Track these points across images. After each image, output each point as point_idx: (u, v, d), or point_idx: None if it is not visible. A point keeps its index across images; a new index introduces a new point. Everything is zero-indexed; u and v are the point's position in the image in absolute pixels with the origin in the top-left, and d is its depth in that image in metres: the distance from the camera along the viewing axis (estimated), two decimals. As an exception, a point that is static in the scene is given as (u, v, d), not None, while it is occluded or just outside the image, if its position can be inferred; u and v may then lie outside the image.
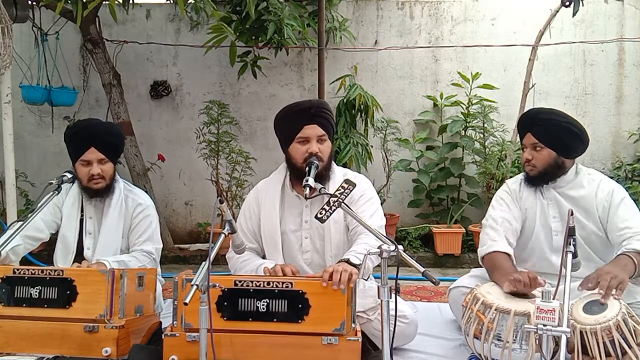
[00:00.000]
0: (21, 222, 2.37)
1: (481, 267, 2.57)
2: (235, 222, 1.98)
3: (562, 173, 2.50)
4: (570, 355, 1.99)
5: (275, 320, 1.99)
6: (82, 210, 2.71)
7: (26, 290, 2.16)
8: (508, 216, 2.54)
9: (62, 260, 2.65)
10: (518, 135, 2.70)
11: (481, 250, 2.52)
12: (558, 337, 1.78)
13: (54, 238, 2.73)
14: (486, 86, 4.82)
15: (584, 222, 2.44)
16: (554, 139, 2.45)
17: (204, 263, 1.70)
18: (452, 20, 5.10)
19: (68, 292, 2.13)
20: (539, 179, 2.53)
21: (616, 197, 2.44)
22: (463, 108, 4.88)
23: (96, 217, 2.70)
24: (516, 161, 4.63)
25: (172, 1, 4.78)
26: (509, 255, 2.43)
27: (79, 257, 2.63)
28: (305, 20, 4.75)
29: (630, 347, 1.91)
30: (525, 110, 4.62)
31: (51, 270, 2.17)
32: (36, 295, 2.14)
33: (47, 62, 4.82)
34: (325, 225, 2.31)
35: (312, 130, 2.36)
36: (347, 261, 2.13)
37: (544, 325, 1.76)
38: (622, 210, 2.41)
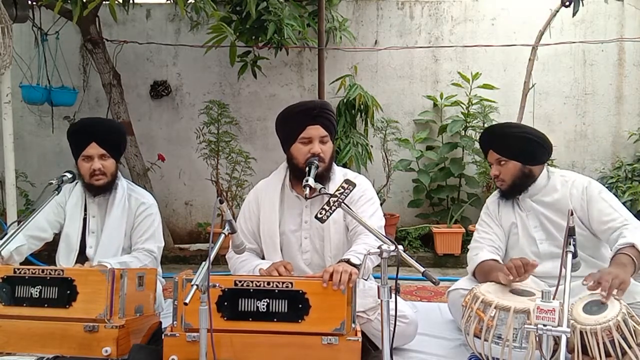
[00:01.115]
0: (21, 223, 2.37)
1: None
2: (235, 222, 1.98)
3: (532, 181, 2.52)
4: (570, 355, 1.99)
5: (275, 320, 1.99)
6: (85, 210, 2.72)
7: (26, 290, 2.15)
8: (492, 236, 2.60)
9: (65, 259, 2.65)
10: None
11: (470, 268, 2.58)
12: (558, 337, 1.78)
13: (56, 238, 2.73)
14: (486, 86, 4.82)
15: (564, 225, 2.43)
16: (515, 150, 2.49)
17: (204, 263, 1.70)
18: (452, 20, 5.10)
19: (68, 292, 2.13)
20: (511, 192, 2.56)
21: (592, 192, 2.44)
22: (463, 108, 4.87)
23: (99, 216, 2.71)
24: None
25: (172, 1, 4.77)
26: (497, 261, 2.47)
27: (82, 256, 2.64)
28: (305, 20, 4.75)
29: (630, 347, 1.91)
30: (525, 110, 4.68)
31: (51, 270, 2.17)
32: (36, 295, 2.14)
33: (47, 62, 4.82)
34: (325, 226, 2.31)
35: (315, 130, 2.36)
36: (347, 261, 2.13)
37: (544, 325, 1.76)
38: (601, 203, 2.40)
